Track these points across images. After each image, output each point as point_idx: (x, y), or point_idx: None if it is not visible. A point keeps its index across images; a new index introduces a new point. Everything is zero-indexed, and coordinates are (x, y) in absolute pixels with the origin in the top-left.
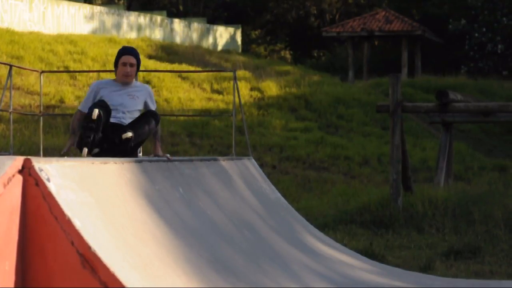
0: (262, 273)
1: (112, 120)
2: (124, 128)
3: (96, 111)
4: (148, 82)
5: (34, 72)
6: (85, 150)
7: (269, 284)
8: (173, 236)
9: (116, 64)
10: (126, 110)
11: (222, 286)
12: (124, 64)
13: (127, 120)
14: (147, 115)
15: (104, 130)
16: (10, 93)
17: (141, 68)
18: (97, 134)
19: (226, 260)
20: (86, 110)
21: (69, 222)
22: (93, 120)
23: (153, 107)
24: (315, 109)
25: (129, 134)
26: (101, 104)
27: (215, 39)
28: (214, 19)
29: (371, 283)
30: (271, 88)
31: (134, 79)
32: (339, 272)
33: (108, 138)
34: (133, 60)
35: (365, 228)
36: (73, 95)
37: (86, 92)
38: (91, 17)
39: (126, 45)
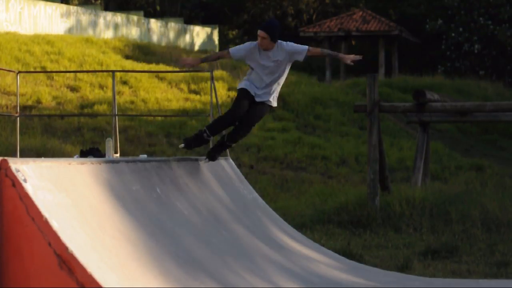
0: (238, 274)
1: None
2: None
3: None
4: (125, 83)
5: (11, 73)
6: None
7: (245, 285)
8: (150, 236)
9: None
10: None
11: (198, 286)
12: (257, 37)
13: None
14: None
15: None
16: None
17: (118, 68)
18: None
19: (203, 261)
20: (235, 57)
21: (46, 223)
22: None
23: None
24: (293, 109)
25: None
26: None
27: (192, 39)
28: (191, 19)
29: (348, 283)
30: None
31: (274, 43)
32: (317, 273)
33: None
34: (264, 34)
35: (343, 228)
36: (50, 95)
37: (243, 44)
38: (68, 17)
39: (267, 20)
